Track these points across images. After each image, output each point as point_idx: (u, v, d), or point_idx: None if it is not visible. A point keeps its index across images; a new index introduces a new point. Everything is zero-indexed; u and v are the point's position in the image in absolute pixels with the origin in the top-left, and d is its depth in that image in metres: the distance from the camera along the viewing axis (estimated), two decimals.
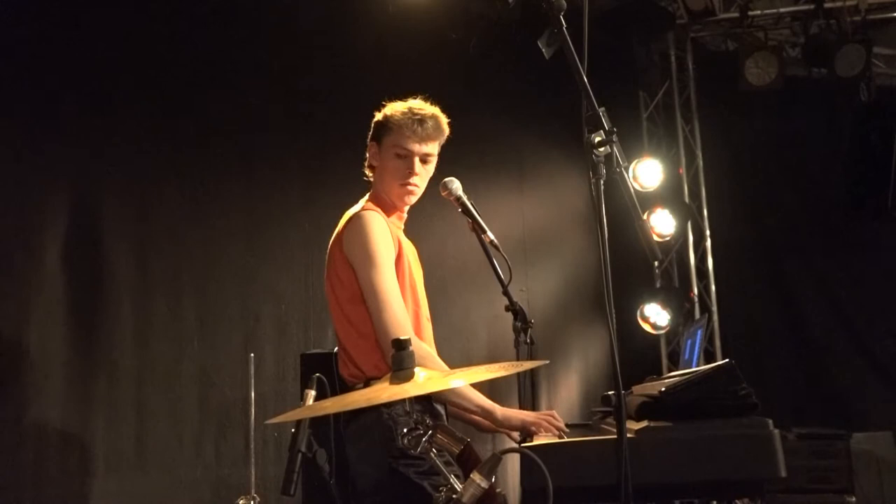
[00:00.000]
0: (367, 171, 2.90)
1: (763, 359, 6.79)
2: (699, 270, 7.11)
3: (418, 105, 2.78)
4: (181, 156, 4.58)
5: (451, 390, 2.59)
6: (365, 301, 2.61)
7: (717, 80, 7.02)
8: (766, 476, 2.02)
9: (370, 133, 2.87)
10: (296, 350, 4.62)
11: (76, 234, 4.19)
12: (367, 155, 2.88)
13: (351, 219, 2.71)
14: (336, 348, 2.84)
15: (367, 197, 2.86)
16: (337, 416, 2.70)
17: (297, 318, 4.86)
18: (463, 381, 2.20)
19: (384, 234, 2.65)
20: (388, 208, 2.81)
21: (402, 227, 2.89)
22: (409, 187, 2.77)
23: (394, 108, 2.78)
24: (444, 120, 2.79)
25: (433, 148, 2.79)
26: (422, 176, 2.79)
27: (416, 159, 2.75)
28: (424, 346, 2.64)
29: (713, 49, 7.33)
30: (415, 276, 2.78)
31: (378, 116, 2.83)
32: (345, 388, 2.64)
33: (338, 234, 2.74)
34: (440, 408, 2.72)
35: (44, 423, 3.95)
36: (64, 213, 4.18)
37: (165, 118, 4.53)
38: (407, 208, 2.88)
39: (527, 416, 2.63)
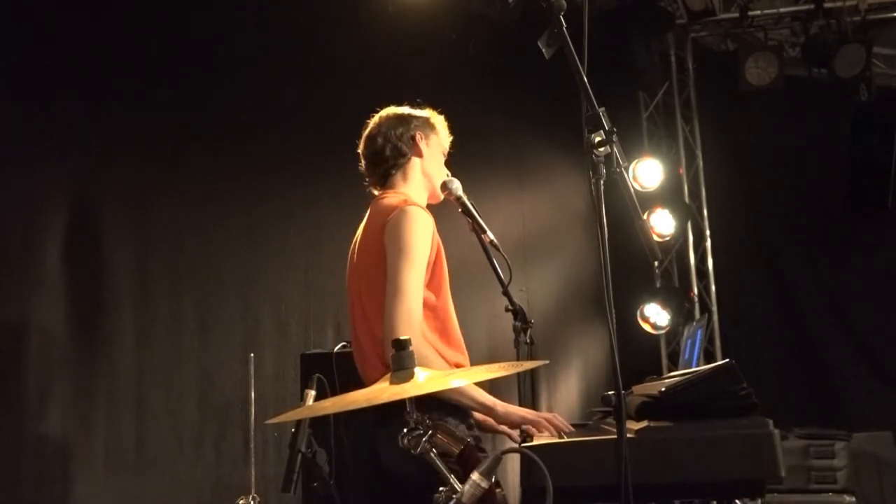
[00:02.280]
0: (387, 163, 2.90)
1: (763, 359, 6.80)
2: (699, 270, 7.11)
3: None
4: (181, 156, 4.58)
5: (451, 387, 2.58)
6: (386, 288, 2.58)
7: (717, 80, 7.03)
8: (766, 476, 2.02)
9: (410, 122, 2.93)
10: (296, 350, 4.61)
11: (76, 234, 4.19)
12: (405, 141, 2.89)
13: (398, 210, 2.67)
14: (338, 347, 2.82)
15: (402, 187, 2.87)
16: (338, 416, 2.70)
17: (297, 318, 4.86)
18: (463, 381, 2.19)
19: (427, 231, 2.63)
20: (424, 199, 2.90)
21: None
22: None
23: (429, 111, 3.01)
24: None
25: None
26: None
27: None
28: (429, 348, 2.62)
29: (713, 49, 7.33)
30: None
31: (417, 112, 2.96)
32: (363, 387, 2.61)
33: (379, 225, 2.69)
34: None
35: (44, 423, 3.95)
36: (64, 213, 4.18)
37: (166, 118, 4.53)
38: None
39: (527, 413, 2.61)
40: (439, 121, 3.00)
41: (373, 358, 2.66)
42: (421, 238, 2.61)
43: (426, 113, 2.99)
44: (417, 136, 2.90)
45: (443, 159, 2.99)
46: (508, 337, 2.77)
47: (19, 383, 3.91)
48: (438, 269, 2.68)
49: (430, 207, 2.94)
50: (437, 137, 2.98)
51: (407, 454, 2.48)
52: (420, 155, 2.90)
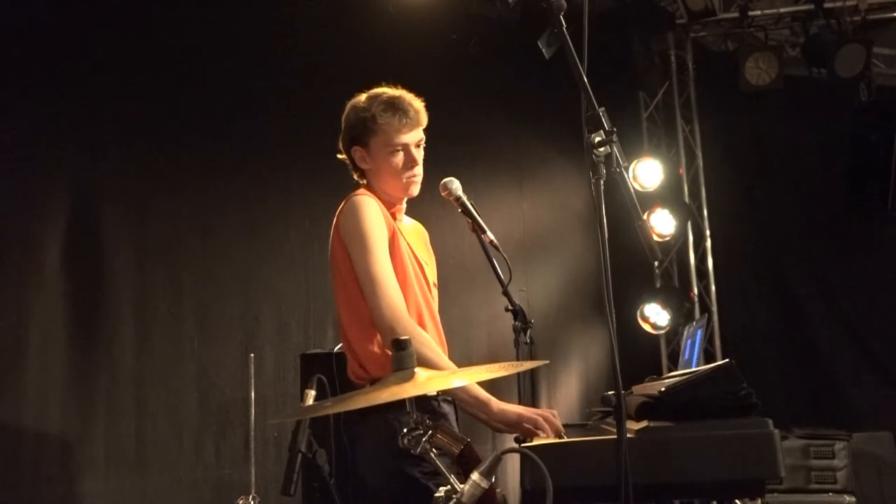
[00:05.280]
0: (356, 175, 2.84)
1: (763, 359, 6.79)
2: (699, 270, 7.11)
3: (392, 94, 2.75)
4: (181, 156, 4.59)
5: None
6: (360, 286, 2.58)
7: (717, 80, 7.03)
8: (766, 476, 2.02)
9: (347, 139, 2.79)
10: (296, 350, 4.62)
11: (76, 233, 4.20)
12: (353, 160, 2.80)
13: (344, 204, 2.69)
14: (336, 348, 2.83)
15: (366, 184, 2.82)
16: (338, 416, 2.70)
17: (297, 318, 4.86)
18: (464, 381, 2.19)
19: (377, 216, 2.62)
20: (387, 204, 2.80)
21: (403, 213, 2.87)
22: (415, 178, 2.76)
23: (370, 107, 2.72)
24: (419, 101, 2.76)
25: (422, 131, 2.76)
26: (421, 162, 2.77)
27: (412, 148, 2.73)
28: (423, 333, 2.59)
29: (713, 49, 7.33)
30: (421, 260, 2.74)
31: (351, 118, 2.77)
32: (353, 387, 2.62)
33: (335, 221, 2.72)
34: (448, 406, 2.68)
35: (44, 423, 3.95)
36: (64, 213, 4.18)
37: (166, 118, 4.53)
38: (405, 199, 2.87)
39: (524, 411, 2.58)
40: (378, 117, 2.69)
41: (348, 353, 2.67)
42: (373, 223, 2.59)
43: (353, 116, 2.76)
44: (356, 156, 2.77)
45: (397, 157, 2.69)
46: (508, 337, 2.77)
47: (19, 383, 3.92)
48: (395, 251, 2.65)
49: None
50: (379, 137, 2.70)
51: (376, 456, 2.48)
52: (362, 169, 2.79)
